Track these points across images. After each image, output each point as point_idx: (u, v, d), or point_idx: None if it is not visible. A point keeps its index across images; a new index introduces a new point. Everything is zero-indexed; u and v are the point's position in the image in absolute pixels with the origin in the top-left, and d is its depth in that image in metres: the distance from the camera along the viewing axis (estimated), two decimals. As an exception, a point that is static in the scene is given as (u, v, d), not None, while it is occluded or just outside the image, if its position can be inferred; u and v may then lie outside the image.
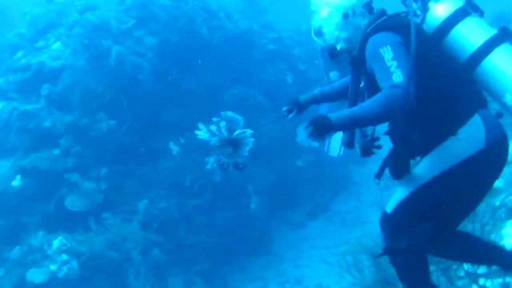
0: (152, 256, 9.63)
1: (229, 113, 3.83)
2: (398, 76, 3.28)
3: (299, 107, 4.34)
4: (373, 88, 3.54)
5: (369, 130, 3.86)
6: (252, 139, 3.85)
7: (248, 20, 14.05)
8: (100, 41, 10.64)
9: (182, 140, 10.46)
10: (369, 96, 3.62)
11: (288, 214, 12.06)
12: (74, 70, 10.74)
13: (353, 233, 10.98)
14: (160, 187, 10.20)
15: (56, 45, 11.70)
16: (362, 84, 3.79)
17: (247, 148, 3.88)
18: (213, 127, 3.82)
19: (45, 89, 10.72)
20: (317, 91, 4.43)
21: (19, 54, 12.03)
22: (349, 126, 3.39)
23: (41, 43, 12.14)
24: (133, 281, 9.29)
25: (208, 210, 10.45)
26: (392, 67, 3.33)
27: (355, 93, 3.83)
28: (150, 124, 10.59)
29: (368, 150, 3.81)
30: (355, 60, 3.74)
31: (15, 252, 9.51)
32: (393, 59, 3.36)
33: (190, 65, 11.38)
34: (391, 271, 5.97)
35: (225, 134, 3.82)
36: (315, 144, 3.52)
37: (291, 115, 4.33)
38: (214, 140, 3.83)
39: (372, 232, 9.28)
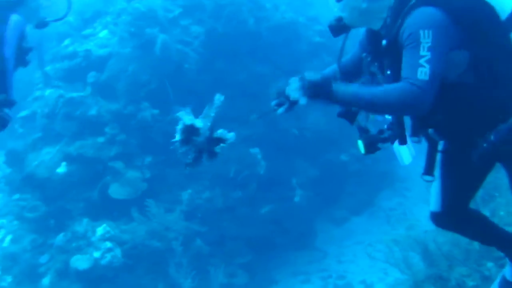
0: (195, 247, 9.56)
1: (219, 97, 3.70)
2: (423, 74, 3.04)
3: (291, 101, 3.94)
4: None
5: (369, 126, 3.66)
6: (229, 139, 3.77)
7: (294, 12, 13.86)
8: (146, 29, 10.60)
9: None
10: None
11: (331, 209, 11.87)
12: (120, 58, 10.74)
13: (398, 230, 10.77)
14: (204, 177, 10.11)
15: (103, 33, 11.73)
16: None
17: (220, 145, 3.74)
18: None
19: (91, 76, 10.74)
20: None
21: (66, 42, 12.07)
22: (349, 102, 3.23)
23: (88, 31, 12.18)
24: (174, 272, 9.24)
25: (252, 202, 10.35)
26: (422, 59, 3.07)
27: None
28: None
29: (373, 145, 3.60)
30: (393, 41, 3.35)
31: (60, 238, 9.56)
32: (428, 49, 3.09)
33: (236, 55, 11.25)
34: (443, 266, 5.81)
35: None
36: (302, 100, 3.33)
37: (281, 109, 3.85)
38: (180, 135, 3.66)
39: (419, 228, 9.12)
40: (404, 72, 3.12)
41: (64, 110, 10.50)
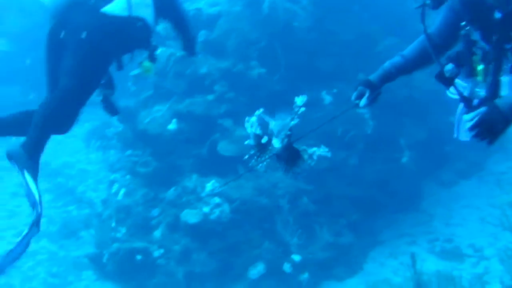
0: (301, 205, 9.62)
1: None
2: None
3: (373, 89, 3.89)
4: None
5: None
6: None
7: (404, -31, 13.46)
8: (255, -13, 10.59)
9: (334, 90, 10.27)
10: None
11: (439, 171, 11.60)
12: (230, 16, 10.77)
13: (510, 195, 10.45)
14: (310, 136, 10.05)
15: (213, -9, 11.79)
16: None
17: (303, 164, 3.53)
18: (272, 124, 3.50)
19: (202, 35, 10.85)
20: (387, 64, 3.91)
21: (176, 1, 12.21)
22: None
23: (198, -11, 12.26)
24: (281, 229, 9.37)
25: (359, 162, 10.26)
26: None
27: (499, 58, 3.21)
28: (302, 73, 10.46)
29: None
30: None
31: (170, 193, 9.87)
32: None
33: (344, 13, 11.07)
34: None
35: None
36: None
37: (363, 101, 3.85)
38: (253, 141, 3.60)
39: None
40: None
41: (175, 68, 10.71)
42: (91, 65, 4.81)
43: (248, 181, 9.62)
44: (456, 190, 11.44)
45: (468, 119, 3.08)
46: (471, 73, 3.40)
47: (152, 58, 5.27)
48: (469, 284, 7.14)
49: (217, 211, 9.27)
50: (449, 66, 3.44)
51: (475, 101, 3.34)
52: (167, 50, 10.89)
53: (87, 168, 13.36)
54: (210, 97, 10.23)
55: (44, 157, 12.89)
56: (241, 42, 10.44)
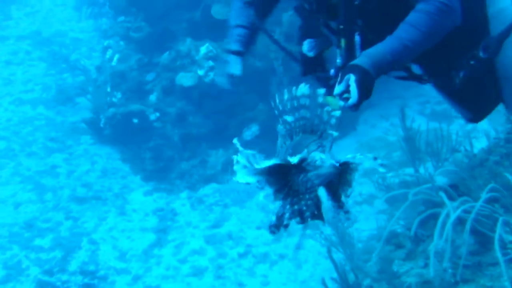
0: (295, 68, 9.69)
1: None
2: None
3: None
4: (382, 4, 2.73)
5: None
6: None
7: None
8: None
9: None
10: (372, 18, 2.79)
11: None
12: None
13: None
14: None
15: None
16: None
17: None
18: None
19: None
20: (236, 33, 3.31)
21: None
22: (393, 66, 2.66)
23: None
24: (275, 90, 9.50)
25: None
26: None
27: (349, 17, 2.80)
28: None
29: None
30: None
31: (165, 57, 9.91)
32: None
33: None
34: None
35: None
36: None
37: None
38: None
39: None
40: None
41: None
42: None
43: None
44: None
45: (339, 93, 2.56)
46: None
47: None
48: (456, 138, 7.35)
49: (211, 74, 9.35)
50: (306, 43, 3.06)
51: (331, 71, 2.85)
52: None
53: (80, 37, 13.30)
54: (202, -43, 10.04)
55: (35, 26, 12.90)
56: None
